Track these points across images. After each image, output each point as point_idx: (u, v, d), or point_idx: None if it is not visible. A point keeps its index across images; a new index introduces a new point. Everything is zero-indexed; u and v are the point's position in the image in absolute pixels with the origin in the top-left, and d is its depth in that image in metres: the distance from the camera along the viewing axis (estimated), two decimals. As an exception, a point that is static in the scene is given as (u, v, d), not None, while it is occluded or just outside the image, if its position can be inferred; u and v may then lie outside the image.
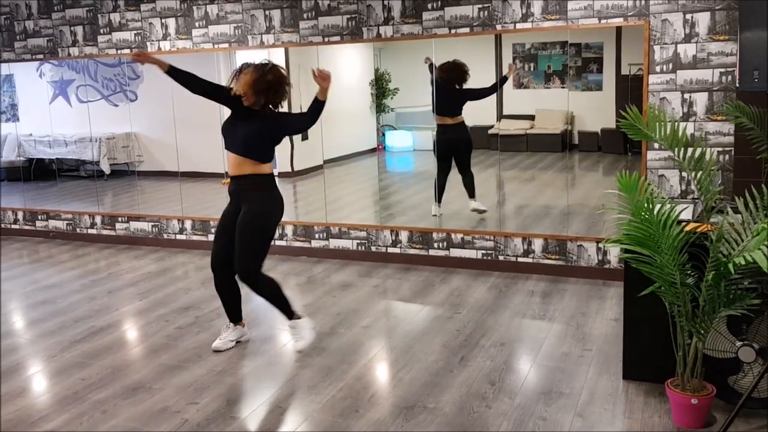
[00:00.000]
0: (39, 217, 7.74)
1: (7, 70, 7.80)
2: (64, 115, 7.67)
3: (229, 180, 4.12)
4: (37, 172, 8.11)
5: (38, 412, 3.52)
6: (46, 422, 3.40)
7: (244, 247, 3.98)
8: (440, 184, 6.23)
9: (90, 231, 7.42)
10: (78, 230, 7.50)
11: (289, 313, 4.16)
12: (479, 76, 6.07)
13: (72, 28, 7.07)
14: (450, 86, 5.96)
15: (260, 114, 3.98)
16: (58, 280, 5.97)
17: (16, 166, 8.10)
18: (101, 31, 6.92)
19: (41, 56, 7.33)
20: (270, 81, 3.91)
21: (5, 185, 8.22)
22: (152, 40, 6.67)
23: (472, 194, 6.21)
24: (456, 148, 6.20)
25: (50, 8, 7.15)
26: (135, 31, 6.75)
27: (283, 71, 4.00)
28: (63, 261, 6.65)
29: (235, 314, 4.29)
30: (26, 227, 7.82)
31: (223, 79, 6.80)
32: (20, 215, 7.86)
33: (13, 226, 7.90)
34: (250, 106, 3.97)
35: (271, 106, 4.02)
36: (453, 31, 5.50)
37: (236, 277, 4.08)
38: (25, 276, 6.16)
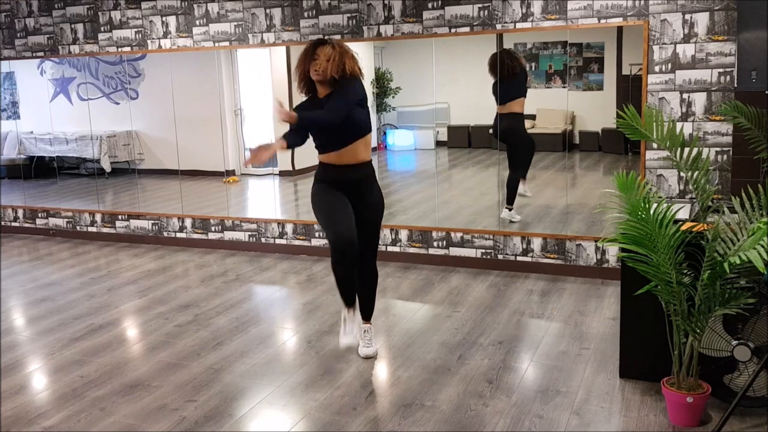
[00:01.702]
0: (39, 215, 7.76)
1: (8, 68, 7.82)
2: (64, 113, 7.69)
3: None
4: (38, 169, 8.13)
5: (37, 409, 3.53)
6: (45, 419, 3.42)
7: (377, 234, 3.93)
8: (510, 182, 5.90)
9: (90, 229, 7.44)
10: (78, 228, 7.51)
11: (369, 315, 4.10)
12: (480, 76, 6.07)
13: (72, 26, 7.09)
14: (504, 74, 5.76)
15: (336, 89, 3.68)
16: (58, 277, 5.98)
17: (17, 164, 8.11)
18: (102, 28, 6.94)
19: (42, 54, 7.34)
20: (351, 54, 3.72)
21: (6, 183, 8.23)
22: (153, 38, 6.69)
23: (508, 200, 5.85)
24: (503, 136, 5.90)
25: (51, 6, 7.16)
26: (135, 29, 6.76)
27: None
28: (63, 259, 6.67)
29: (353, 297, 3.92)
30: (26, 225, 7.84)
31: (224, 77, 6.84)
32: (20, 213, 7.88)
33: (14, 224, 7.92)
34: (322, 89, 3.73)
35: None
36: (453, 30, 5.51)
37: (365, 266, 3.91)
38: (25, 273, 6.17)
